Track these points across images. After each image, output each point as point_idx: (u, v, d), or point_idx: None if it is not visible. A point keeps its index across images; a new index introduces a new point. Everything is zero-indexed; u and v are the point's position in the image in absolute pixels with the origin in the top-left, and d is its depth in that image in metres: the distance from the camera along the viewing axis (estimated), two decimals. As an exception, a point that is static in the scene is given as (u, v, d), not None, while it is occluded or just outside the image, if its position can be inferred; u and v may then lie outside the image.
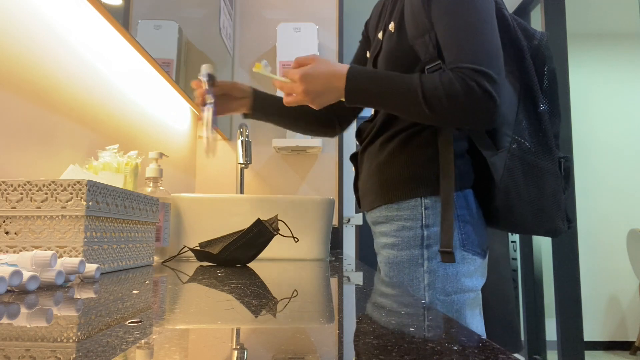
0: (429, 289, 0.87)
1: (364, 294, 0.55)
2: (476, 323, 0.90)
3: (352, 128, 2.27)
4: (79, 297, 0.47)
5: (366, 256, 3.34)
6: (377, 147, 0.95)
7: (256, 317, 0.38)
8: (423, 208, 0.88)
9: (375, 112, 1.00)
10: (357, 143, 1.07)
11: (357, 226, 2.23)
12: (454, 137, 0.89)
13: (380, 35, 0.99)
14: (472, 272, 0.88)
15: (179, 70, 1.27)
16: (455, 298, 0.86)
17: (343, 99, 0.86)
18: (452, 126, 0.86)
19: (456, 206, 0.87)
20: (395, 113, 0.86)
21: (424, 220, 0.88)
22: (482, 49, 0.78)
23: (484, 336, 1.02)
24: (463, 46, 0.79)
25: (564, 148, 3.19)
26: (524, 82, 0.87)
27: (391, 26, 0.94)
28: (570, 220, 0.88)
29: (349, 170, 2.10)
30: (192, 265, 0.91)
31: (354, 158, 1.06)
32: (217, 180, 1.95)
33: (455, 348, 0.28)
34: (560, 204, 0.85)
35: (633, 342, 3.90)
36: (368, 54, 1.09)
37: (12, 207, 0.64)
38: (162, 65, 1.13)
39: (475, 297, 0.90)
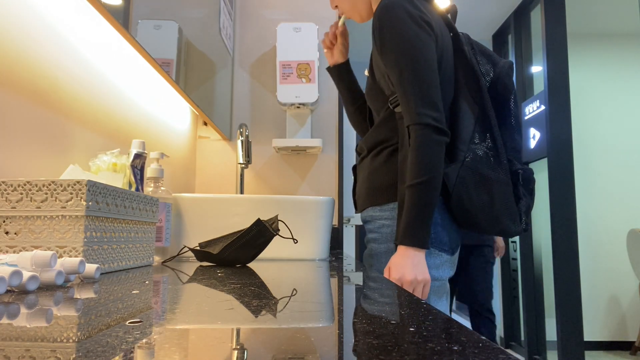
0: None
1: (364, 294, 0.55)
2: (440, 306, 1.06)
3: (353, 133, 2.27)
4: (79, 297, 0.47)
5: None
6: (369, 160, 1.12)
7: (256, 317, 0.38)
8: (398, 210, 1.02)
9: (371, 123, 1.19)
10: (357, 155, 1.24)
11: (357, 226, 2.23)
12: None
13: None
14: (438, 265, 1.03)
15: (179, 70, 1.27)
16: None
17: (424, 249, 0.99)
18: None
19: None
20: (432, 201, 0.98)
21: (398, 219, 1.01)
22: (419, 100, 0.97)
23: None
24: (408, 105, 0.97)
25: (563, 148, 3.19)
26: (481, 106, 1.03)
27: (366, 72, 1.16)
28: (526, 222, 1.03)
29: (349, 170, 2.10)
30: (192, 265, 0.91)
31: (354, 169, 1.24)
32: (217, 180, 1.95)
33: (455, 348, 0.28)
34: (509, 208, 1.01)
35: (633, 342, 3.90)
36: None
37: (12, 207, 0.64)
38: (162, 65, 1.13)
39: (441, 285, 1.05)
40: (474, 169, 1.00)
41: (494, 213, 1.00)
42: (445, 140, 0.98)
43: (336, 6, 1.21)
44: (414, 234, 0.95)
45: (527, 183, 1.05)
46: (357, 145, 1.21)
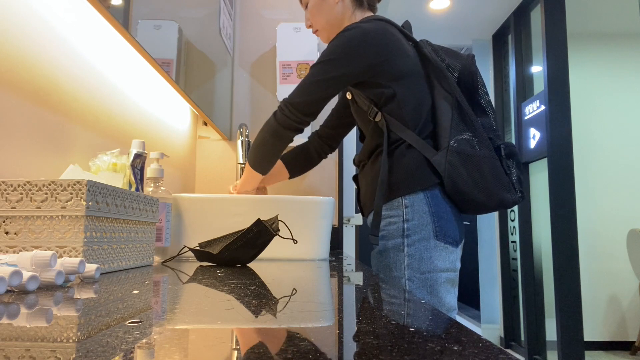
0: (408, 269, 1.09)
1: (364, 294, 0.55)
2: (450, 298, 1.10)
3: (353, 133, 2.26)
4: (79, 297, 0.47)
5: (366, 256, 3.35)
6: (369, 165, 1.19)
7: (256, 317, 0.38)
8: (404, 207, 1.10)
9: (362, 139, 1.27)
10: (355, 167, 1.35)
11: (357, 226, 2.23)
12: (413, 151, 1.12)
13: None
14: (445, 257, 1.09)
15: (179, 70, 1.27)
16: (429, 276, 1.08)
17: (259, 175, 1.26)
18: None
19: (430, 204, 1.10)
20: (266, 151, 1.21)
21: (404, 216, 1.10)
22: (298, 90, 1.13)
23: (455, 309, 1.10)
24: (293, 93, 1.14)
25: (563, 148, 3.19)
26: (454, 95, 1.12)
27: (348, 95, 1.30)
28: (521, 191, 1.10)
29: (349, 170, 2.10)
30: (192, 265, 0.91)
31: (355, 178, 1.31)
32: (217, 180, 1.95)
33: (455, 348, 0.28)
34: (501, 179, 1.08)
35: (633, 342, 3.89)
36: None
37: (12, 207, 0.64)
38: (162, 65, 1.13)
39: (450, 277, 1.10)
40: (460, 152, 1.08)
41: (488, 186, 1.07)
42: (290, 136, 1.16)
43: (310, 25, 1.30)
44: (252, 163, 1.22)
45: (512, 156, 1.12)
46: (354, 160, 1.30)
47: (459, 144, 1.08)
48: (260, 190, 1.40)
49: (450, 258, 1.10)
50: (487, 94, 1.17)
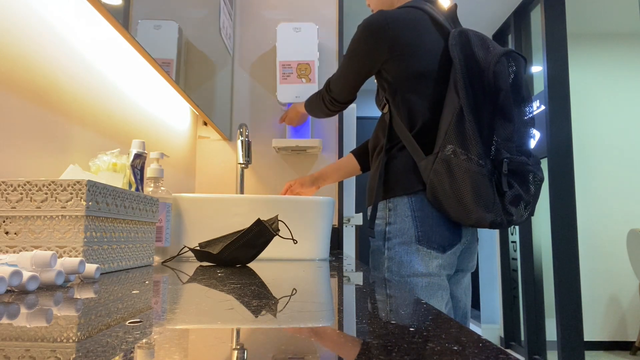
0: (388, 271, 1.10)
1: (364, 294, 0.55)
2: (433, 303, 1.07)
3: (352, 133, 2.26)
4: (78, 297, 0.47)
5: (366, 256, 3.34)
6: (373, 160, 1.22)
7: (256, 317, 0.38)
8: (387, 209, 1.12)
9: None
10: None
11: (357, 226, 2.23)
12: (404, 154, 1.13)
13: None
14: (427, 262, 1.06)
15: (179, 70, 1.27)
16: (409, 280, 1.07)
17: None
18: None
19: (414, 208, 1.08)
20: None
21: (387, 218, 1.12)
22: (333, 80, 1.26)
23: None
24: (332, 79, 1.27)
25: (563, 148, 3.19)
26: (460, 101, 1.03)
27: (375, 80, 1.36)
28: (511, 213, 1.02)
29: (349, 170, 2.11)
30: (192, 265, 0.91)
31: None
32: (217, 180, 1.95)
33: (455, 348, 0.28)
34: (483, 197, 1.00)
35: (633, 342, 3.89)
36: None
37: (12, 207, 0.64)
38: (162, 65, 1.13)
39: (430, 282, 1.07)
40: (447, 160, 1.02)
41: (466, 202, 1.00)
42: (330, 110, 1.32)
43: (369, 4, 1.35)
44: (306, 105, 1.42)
45: (519, 173, 1.02)
46: (368, 147, 1.35)
47: (447, 152, 1.02)
48: (315, 188, 1.49)
49: (434, 264, 1.06)
50: (510, 97, 1.04)
